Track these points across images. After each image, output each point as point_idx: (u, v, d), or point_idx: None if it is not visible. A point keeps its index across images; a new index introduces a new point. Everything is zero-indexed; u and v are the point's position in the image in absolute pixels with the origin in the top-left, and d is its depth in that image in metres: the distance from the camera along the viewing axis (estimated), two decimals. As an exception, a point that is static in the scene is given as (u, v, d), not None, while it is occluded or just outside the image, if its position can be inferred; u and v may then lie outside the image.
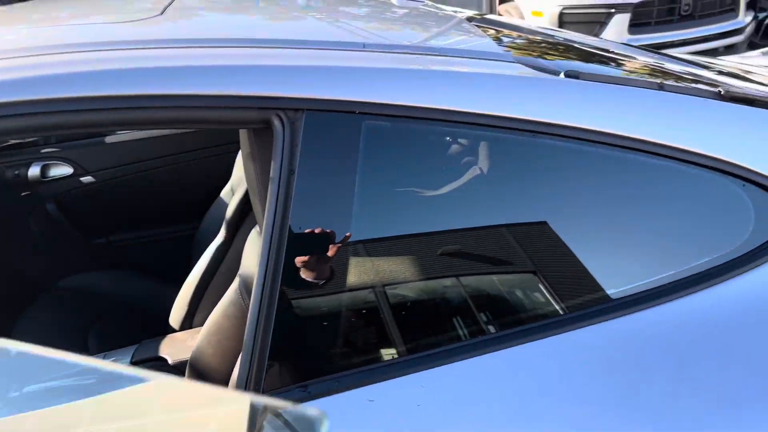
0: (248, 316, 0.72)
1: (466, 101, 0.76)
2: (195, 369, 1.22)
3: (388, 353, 0.74)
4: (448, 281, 0.78)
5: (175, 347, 1.47)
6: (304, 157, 0.72)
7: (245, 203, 1.45)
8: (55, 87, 0.70)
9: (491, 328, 0.75)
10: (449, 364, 0.72)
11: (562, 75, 0.85)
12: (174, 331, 1.58)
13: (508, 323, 0.75)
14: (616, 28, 3.99)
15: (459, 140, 0.78)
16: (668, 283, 0.77)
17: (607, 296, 0.75)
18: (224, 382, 1.08)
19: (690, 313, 0.75)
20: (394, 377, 0.72)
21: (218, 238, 1.52)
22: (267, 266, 0.71)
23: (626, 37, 3.93)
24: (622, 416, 0.67)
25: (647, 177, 0.79)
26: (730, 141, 0.82)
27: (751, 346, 0.74)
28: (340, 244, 0.73)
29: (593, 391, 0.69)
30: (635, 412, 0.68)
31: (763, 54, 1.91)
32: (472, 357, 0.71)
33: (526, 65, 0.88)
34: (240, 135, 1.05)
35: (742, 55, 2.08)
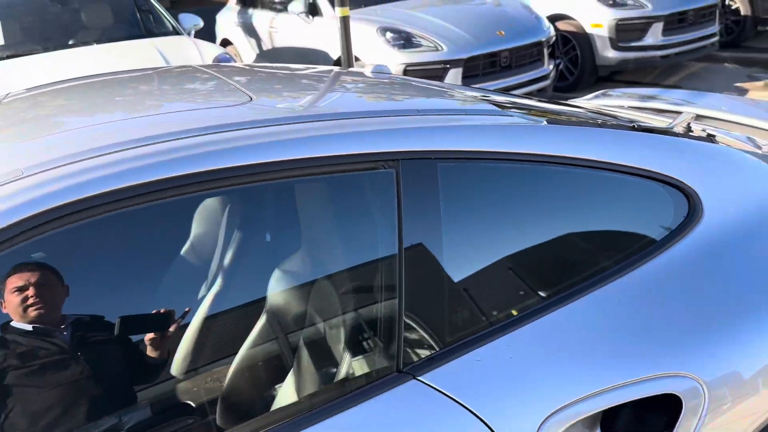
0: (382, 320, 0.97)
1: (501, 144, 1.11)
2: (228, 403, 1.38)
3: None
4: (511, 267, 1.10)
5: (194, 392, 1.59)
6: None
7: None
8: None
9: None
10: (522, 327, 1.04)
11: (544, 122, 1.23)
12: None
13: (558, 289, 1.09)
14: (452, 80, 4.74)
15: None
16: (617, 263, 1.17)
17: (607, 265, 1.13)
18: (264, 408, 1.19)
19: (656, 270, 1.14)
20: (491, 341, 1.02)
21: (216, 287, 1.68)
22: (399, 281, 0.96)
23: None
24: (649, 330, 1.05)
25: (619, 185, 1.19)
26: (652, 157, 1.25)
27: (692, 285, 1.15)
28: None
29: (629, 324, 1.05)
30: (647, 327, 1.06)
31: (592, 98, 2.49)
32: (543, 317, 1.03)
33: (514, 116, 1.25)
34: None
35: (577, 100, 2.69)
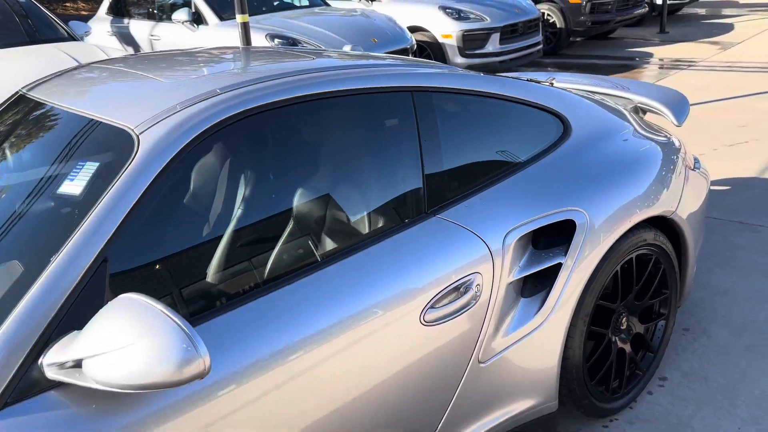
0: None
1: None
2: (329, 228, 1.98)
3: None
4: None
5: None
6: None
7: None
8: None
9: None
10: (495, 186, 1.78)
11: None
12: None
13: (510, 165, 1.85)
14: (493, 42, 7.19)
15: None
16: (521, 163, 1.95)
17: (530, 158, 1.91)
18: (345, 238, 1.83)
19: (540, 166, 1.94)
20: (478, 194, 1.75)
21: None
22: (421, 160, 1.67)
23: (498, 46, 7.30)
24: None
25: (530, 114, 1.98)
26: (545, 98, 2.06)
27: (573, 164, 1.96)
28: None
29: (546, 186, 1.84)
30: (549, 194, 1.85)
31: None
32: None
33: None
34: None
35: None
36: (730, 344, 2.50)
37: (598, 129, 2.16)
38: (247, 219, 1.45)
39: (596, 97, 2.45)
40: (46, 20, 5.32)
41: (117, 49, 4.91)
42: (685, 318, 2.67)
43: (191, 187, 1.38)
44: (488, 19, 7.44)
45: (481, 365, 1.72)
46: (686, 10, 12.56)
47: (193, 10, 6.38)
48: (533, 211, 1.79)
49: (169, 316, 1.03)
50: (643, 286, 2.14)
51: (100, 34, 7.48)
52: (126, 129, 1.34)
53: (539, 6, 8.76)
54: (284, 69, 1.65)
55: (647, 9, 9.95)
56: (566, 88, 2.42)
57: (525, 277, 1.80)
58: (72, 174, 1.32)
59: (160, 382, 1.01)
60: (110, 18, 7.50)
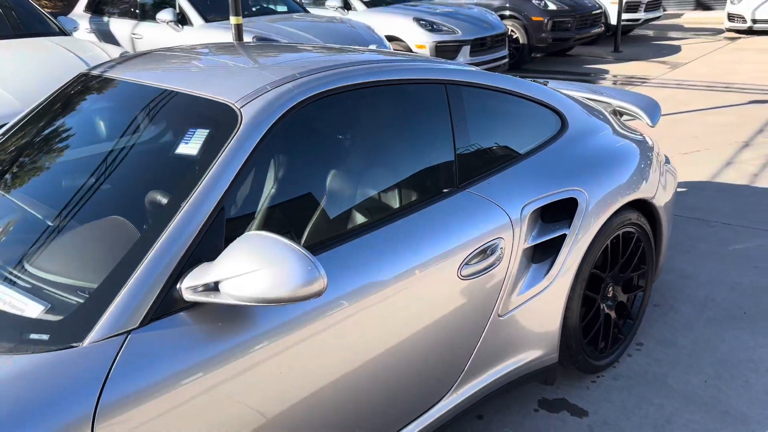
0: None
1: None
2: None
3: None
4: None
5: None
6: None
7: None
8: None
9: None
10: (513, 167, 2.09)
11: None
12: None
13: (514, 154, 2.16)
14: (464, 54, 7.63)
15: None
16: (531, 150, 2.28)
17: (509, 160, 2.23)
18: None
19: (546, 153, 2.27)
20: (500, 172, 2.06)
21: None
22: (453, 142, 1.97)
23: (468, 58, 7.70)
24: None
25: (536, 110, 2.31)
26: (546, 96, 2.39)
27: (571, 152, 2.30)
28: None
29: (552, 169, 2.16)
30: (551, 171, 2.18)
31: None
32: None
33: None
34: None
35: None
36: (694, 317, 2.88)
37: (587, 125, 2.50)
38: (323, 179, 1.72)
39: (581, 99, 2.81)
40: (38, 15, 5.41)
41: (105, 45, 5.05)
42: (655, 296, 3.04)
43: (283, 151, 1.64)
44: (459, 32, 7.86)
45: (500, 318, 2.02)
46: (637, 32, 13.35)
47: (178, 11, 6.55)
48: (544, 188, 2.12)
49: (294, 246, 1.29)
50: (627, 260, 2.50)
51: (80, 32, 7.54)
52: (228, 104, 1.60)
53: (505, 22, 9.24)
54: (341, 60, 1.92)
55: (603, 29, 10.57)
56: (557, 90, 2.76)
57: (535, 245, 2.12)
58: (186, 138, 1.56)
59: (286, 297, 1.27)
60: (88, 15, 7.57)
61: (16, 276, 1.42)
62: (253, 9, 7.34)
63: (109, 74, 1.98)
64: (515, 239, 2.01)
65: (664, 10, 13.84)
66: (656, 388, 2.42)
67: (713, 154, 5.18)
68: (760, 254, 3.45)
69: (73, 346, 1.24)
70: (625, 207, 2.38)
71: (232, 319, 1.39)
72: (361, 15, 8.11)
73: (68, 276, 1.40)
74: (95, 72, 2.07)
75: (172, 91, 1.73)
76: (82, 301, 1.31)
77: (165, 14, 6.47)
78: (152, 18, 6.78)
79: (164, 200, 1.50)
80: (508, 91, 2.24)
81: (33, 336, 1.27)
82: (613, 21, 11.07)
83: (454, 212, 1.88)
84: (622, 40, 11.24)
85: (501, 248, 1.96)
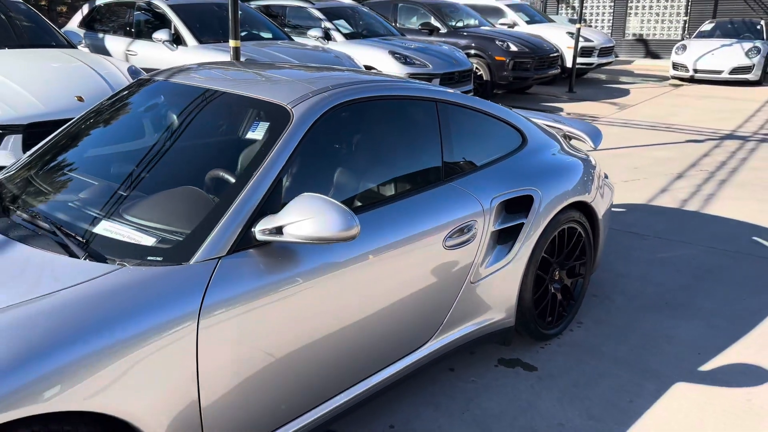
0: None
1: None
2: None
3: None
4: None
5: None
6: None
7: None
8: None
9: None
10: (484, 170, 2.69)
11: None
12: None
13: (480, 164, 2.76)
14: None
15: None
16: (498, 158, 2.89)
17: (481, 164, 2.83)
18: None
19: (510, 161, 2.88)
20: (470, 174, 2.65)
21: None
22: (441, 147, 2.56)
23: None
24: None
25: (502, 128, 2.92)
26: (511, 117, 3.01)
27: (532, 163, 2.92)
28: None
29: (514, 175, 2.76)
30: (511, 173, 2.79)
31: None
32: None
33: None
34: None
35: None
36: (625, 305, 3.52)
37: (542, 142, 3.14)
38: (348, 163, 2.28)
39: (538, 123, 3.46)
40: (48, 28, 5.87)
41: (109, 57, 5.52)
42: (594, 288, 3.67)
43: (321, 141, 2.19)
44: (430, 66, 8.57)
45: (472, 284, 2.60)
46: (591, 75, 14.41)
47: (173, 32, 7.07)
48: (508, 186, 2.72)
49: (337, 203, 1.84)
50: (570, 250, 3.11)
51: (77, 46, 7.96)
52: (282, 105, 2.15)
53: (471, 60, 10.03)
54: (359, 78, 2.50)
55: (559, 70, 11.49)
56: (520, 113, 3.40)
57: (500, 230, 2.71)
58: (253, 127, 2.11)
59: (331, 237, 1.81)
60: (83, 31, 8.01)
61: (129, 222, 1.93)
62: (242, 34, 7.91)
63: (175, 80, 2.51)
64: (485, 223, 2.60)
65: (616, 56, 14.97)
66: (592, 354, 3.02)
67: (650, 182, 5.93)
68: (682, 261, 4.14)
69: (182, 264, 1.76)
70: (570, 207, 3.00)
71: (285, 257, 1.93)
72: (341, 45, 8.76)
73: (167, 223, 1.92)
74: (159, 78, 2.60)
75: (238, 94, 2.28)
76: (188, 232, 1.84)
77: (161, 34, 6.97)
78: (148, 37, 7.27)
79: (225, 175, 2.04)
80: (482, 111, 2.86)
81: (150, 257, 1.78)
82: (569, 64, 12.03)
83: (442, 198, 2.47)
84: (576, 81, 12.19)
85: (475, 229, 2.54)
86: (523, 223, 2.74)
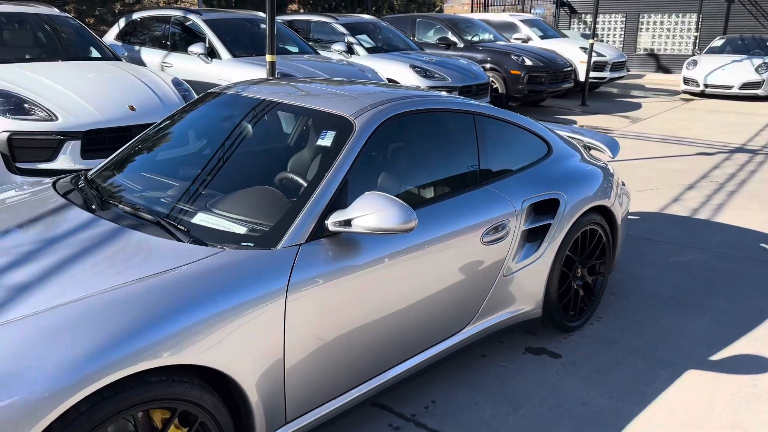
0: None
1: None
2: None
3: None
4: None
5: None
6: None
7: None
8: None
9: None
10: (514, 176, 3.00)
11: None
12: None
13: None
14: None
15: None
16: (528, 165, 3.20)
17: (513, 170, 3.15)
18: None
19: (538, 168, 3.19)
20: (504, 179, 2.97)
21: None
22: (479, 155, 2.87)
23: None
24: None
25: (530, 138, 3.24)
26: (538, 128, 3.33)
27: (559, 170, 3.23)
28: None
29: (541, 182, 3.08)
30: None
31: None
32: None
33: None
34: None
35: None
36: (640, 303, 3.81)
37: (566, 152, 3.45)
38: (401, 166, 2.60)
39: (561, 134, 3.77)
40: (96, 42, 6.25)
41: (153, 69, 5.89)
42: (612, 287, 3.97)
43: (379, 148, 2.52)
44: (449, 79, 8.92)
45: (504, 277, 2.91)
46: (603, 88, 14.72)
47: (208, 45, 7.45)
48: (537, 190, 3.04)
49: (397, 200, 2.16)
50: (591, 250, 3.42)
51: (112, 57, 8.35)
52: (345, 116, 2.48)
53: (487, 73, 10.37)
54: (408, 93, 2.83)
55: (573, 84, 11.81)
56: (545, 125, 3.72)
57: (529, 229, 3.02)
58: (321, 135, 2.43)
59: (393, 228, 2.12)
60: (119, 44, 8.42)
61: (219, 215, 2.26)
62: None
63: (245, 93, 2.85)
64: (517, 223, 2.91)
65: (628, 71, 15.28)
66: (611, 345, 3.31)
67: (663, 192, 6.23)
68: (693, 265, 4.42)
69: (271, 249, 2.08)
70: (591, 210, 3.31)
71: (351, 246, 2.25)
72: (363, 59, 9.12)
73: (251, 216, 2.25)
74: (228, 91, 2.94)
75: (305, 107, 2.62)
76: (272, 224, 2.16)
77: (196, 47, 7.34)
78: (183, 50, 7.65)
79: (293, 177, 2.37)
80: (513, 123, 3.18)
81: (243, 243, 2.10)
82: (582, 78, 12.35)
83: (479, 199, 2.78)
84: (589, 95, 12.51)
85: (508, 227, 2.86)
86: (550, 224, 3.05)
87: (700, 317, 3.65)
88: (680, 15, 19.39)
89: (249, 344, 1.93)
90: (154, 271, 1.90)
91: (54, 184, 2.68)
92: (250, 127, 2.70)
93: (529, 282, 3.03)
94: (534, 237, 3.05)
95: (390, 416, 2.66)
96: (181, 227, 2.18)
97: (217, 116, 2.87)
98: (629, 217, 5.39)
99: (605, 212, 3.47)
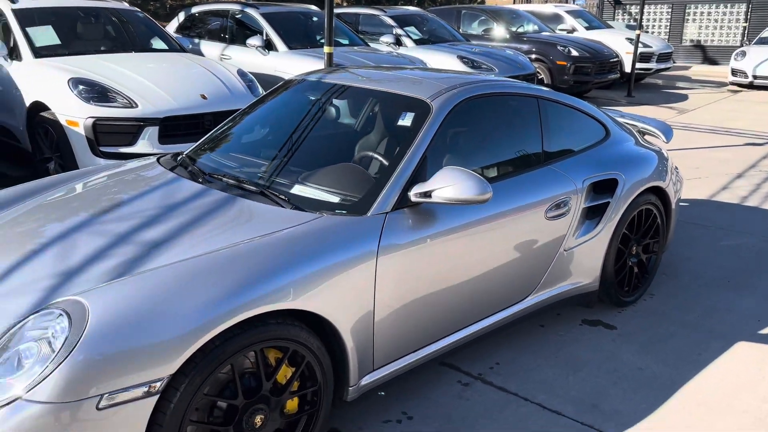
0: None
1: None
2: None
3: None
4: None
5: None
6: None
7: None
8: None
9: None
10: (574, 157, 3.20)
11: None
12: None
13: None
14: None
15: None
16: (587, 146, 3.38)
17: (574, 151, 3.34)
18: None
19: (597, 149, 3.38)
20: (564, 160, 3.17)
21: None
22: (541, 136, 3.08)
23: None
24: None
25: (589, 121, 3.43)
26: (596, 113, 3.51)
27: (614, 151, 3.41)
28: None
29: (601, 161, 3.27)
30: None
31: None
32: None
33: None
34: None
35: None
36: (691, 282, 3.96)
37: (622, 135, 3.63)
38: (473, 145, 2.84)
39: (618, 119, 3.94)
40: (165, 35, 6.62)
41: (219, 61, 6.20)
42: (663, 268, 4.13)
43: (453, 128, 2.76)
44: (496, 69, 9.06)
45: (565, 252, 3.11)
46: (649, 80, 14.64)
47: (265, 38, 7.76)
48: (597, 170, 3.23)
49: (473, 173, 2.38)
50: (646, 229, 3.59)
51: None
52: (423, 99, 2.72)
53: (533, 64, 10.48)
54: (476, 78, 3.06)
55: (618, 75, 11.82)
56: (603, 110, 3.90)
57: (588, 207, 3.22)
58: (401, 116, 2.68)
59: (470, 199, 2.34)
60: (179, 36, 8.80)
61: (312, 186, 2.53)
62: (321, 41, 8.57)
63: (326, 80, 3.12)
64: (578, 200, 3.11)
65: (674, 62, 15.14)
66: (663, 318, 3.49)
67: (712, 181, 6.31)
68: (742, 248, 4.54)
69: (362, 216, 2.34)
70: (647, 191, 3.48)
71: (429, 215, 2.49)
72: (411, 51, 9.34)
73: (340, 188, 2.51)
74: (310, 78, 3.21)
75: (385, 91, 2.88)
76: (361, 195, 2.42)
77: (254, 40, 7.66)
78: (241, 42, 7.99)
79: (373, 155, 2.62)
80: (573, 107, 3.38)
81: (337, 210, 2.37)
82: (628, 69, 12.33)
83: (543, 178, 3.00)
84: (634, 86, 12.48)
85: (569, 204, 3.06)
86: (608, 202, 3.24)
87: (750, 295, 3.79)
88: (728, 5, 19.05)
89: (346, 298, 2.19)
90: (266, 232, 2.17)
91: (158, 160, 2.99)
92: (332, 110, 2.96)
93: (587, 257, 3.22)
94: (593, 215, 3.25)
95: (458, 374, 2.90)
96: (282, 197, 2.45)
97: (300, 101, 3.14)
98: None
99: (660, 193, 3.64)
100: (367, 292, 2.25)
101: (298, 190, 2.51)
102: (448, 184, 2.37)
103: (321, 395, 2.20)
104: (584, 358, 3.08)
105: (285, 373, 2.10)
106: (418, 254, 2.42)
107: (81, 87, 4.98)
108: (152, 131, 4.95)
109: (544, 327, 3.36)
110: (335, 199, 2.44)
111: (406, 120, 2.67)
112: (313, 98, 3.10)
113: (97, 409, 1.64)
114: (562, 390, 2.81)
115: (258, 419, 2.00)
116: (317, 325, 2.20)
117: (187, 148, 3.25)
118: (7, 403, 1.61)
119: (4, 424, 1.58)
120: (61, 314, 1.73)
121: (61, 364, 1.64)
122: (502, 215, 2.73)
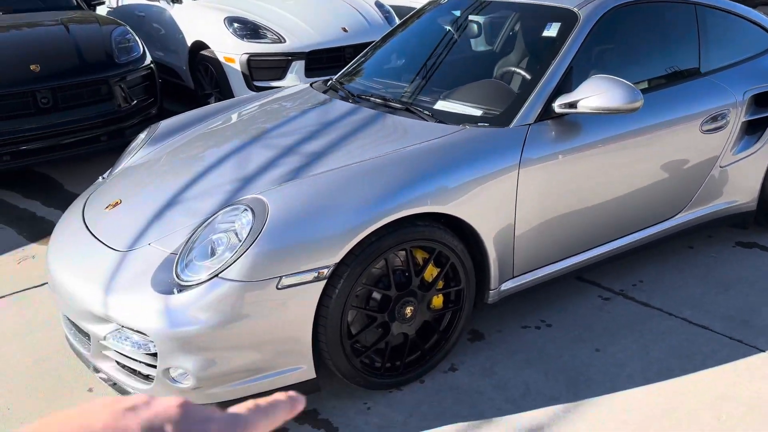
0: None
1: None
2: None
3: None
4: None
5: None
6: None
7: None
8: None
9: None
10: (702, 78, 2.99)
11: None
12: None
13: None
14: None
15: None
16: (750, 56, 3.13)
17: (735, 61, 3.09)
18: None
19: (762, 59, 3.12)
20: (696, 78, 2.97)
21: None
22: (699, 52, 2.91)
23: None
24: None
25: (748, 26, 3.17)
26: (763, 19, 3.23)
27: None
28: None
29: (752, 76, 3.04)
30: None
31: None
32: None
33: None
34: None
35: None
36: None
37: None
38: (624, 55, 2.76)
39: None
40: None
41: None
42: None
43: (601, 37, 2.70)
44: None
45: (721, 168, 2.96)
46: None
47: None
48: (759, 82, 3.00)
49: (623, 80, 2.33)
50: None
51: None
52: (570, 8, 2.67)
53: None
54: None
55: None
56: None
57: (749, 121, 3.02)
58: (547, 27, 2.67)
59: (619, 107, 2.31)
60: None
61: (456, 101, 2.61)
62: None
63: (467, -3, 3.14)
64: (737, 113, 2.93)
65: None
66: (832, 243, 3.24)
67: None
68: None
69: (505, 127, 2.40)
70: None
71: (574, 128, 2.48)
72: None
73: (482, 103, 2.56)
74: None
75: (530, 3, 2.86)
76: (502, 109, 2.47)
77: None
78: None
79: (515, 69, 2.62)
80: (735, 14, 3.13)
81: (480, 123, 2.44)
82: None
83: (700, 89, 2.85)
84: None
85: (728, 117, 2.89)
86: (772, 115, 3.02)
87: None
88: None
89: (490, 207, 2.28)
90: (414, 142, 2.30)
91: (311, 85, 3.21)
92: (473, 27, 2.99)
93: (745, 174, 3.05)
94: (754, 129, 3.04)
95: (599, 290, 2.91)
96: (427, 112, 2.56)
97: (438, 23, 3.19)
98: None
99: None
100: (508, 204, 2.33)
101: (441, 105, 2.60)
102: (595, 93, 2.34)
103: (463, 294, 2.34)
104: (736, 277, 2.96)
105: (431, 272, 2.26)
106: (561, 167, 2.44)
107: (236, 25, 5.34)
108: (299, 65, 5.23)
109: (693, 249, 3.25)
110: (477, 112, 2.51)
111: (552, 30, 2.64)
112: (451, 18, 3.13)
113: (277, 288, 1.90)
114: (711, 306, 2.74)
115: (408, 310, 2.19)
116: (460, 231, 2.32)
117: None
118: (205, 281, 1.91)
119: (203, 298, 1.88)
120: (245, 209, 2.00)
121: (247, 250, 1.90)
122: (653, 128, 2.65)
